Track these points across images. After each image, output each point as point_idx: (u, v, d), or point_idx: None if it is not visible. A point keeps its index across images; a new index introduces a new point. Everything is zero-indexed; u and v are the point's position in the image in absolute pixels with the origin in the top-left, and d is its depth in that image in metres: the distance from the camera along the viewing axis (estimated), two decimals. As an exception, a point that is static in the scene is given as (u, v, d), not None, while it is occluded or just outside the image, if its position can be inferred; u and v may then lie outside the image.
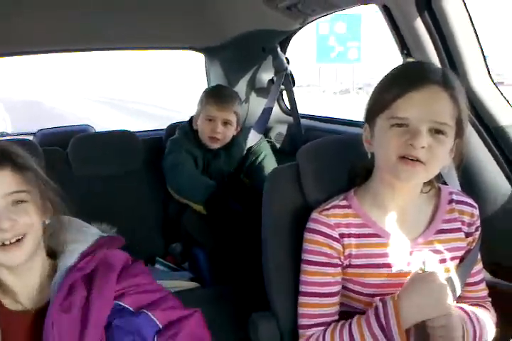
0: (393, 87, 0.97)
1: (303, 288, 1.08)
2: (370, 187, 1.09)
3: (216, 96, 1.99)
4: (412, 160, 0.95)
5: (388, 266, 1.04)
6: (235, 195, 1.97)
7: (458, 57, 1.29)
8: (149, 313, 0.96)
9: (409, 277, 1.01)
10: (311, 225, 1.08)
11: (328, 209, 1.08)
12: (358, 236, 1.05)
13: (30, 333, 0.95)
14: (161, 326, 0.96)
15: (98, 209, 1.47)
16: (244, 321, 1.24)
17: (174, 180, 1.93)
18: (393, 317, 0.95)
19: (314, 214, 1.08)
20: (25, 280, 0.98)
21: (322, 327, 1.05)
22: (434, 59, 1.31)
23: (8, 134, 2.89)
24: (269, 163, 2.07)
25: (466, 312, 1.03)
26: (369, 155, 1.06)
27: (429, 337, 0.98)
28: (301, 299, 1.08)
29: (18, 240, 0.93)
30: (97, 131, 2.61)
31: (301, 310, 1.08)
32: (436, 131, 0.95)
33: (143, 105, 15.44)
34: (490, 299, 1.13)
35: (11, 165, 0.95)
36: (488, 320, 1.06)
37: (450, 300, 0.97)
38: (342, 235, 1.05)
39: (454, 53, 1.29)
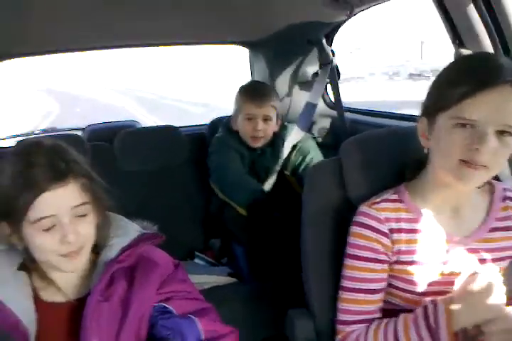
0: (461, 84, 0.89)
1: (345, 283, 1.05)
2: (422, 182, 1.04)
3: (252, 93, 1.96)
4: (474, 165, 0.89)
5: (438, 264, 1.00)
6: (281, 196, 1.94)
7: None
8: (196, 319, 0.98)
9: (460, 278, 0.96)
10: (359, 219, 1.04)
11: (378, 202, 1.04)
12: (409, 231, 1.01)
13: (69, 323, 0.97)
14: (203, 337, 0.97)
15: (141, 203, 1.48)
16: (281, 318, 1.23)
17: (220, 179, 1.90)
18: (444, 321, 0.92)
19: (363, 208, 1.05)
20: (69, 274, 1.01)
21: (363, 324, 1.02)
22: (489, 49, 1.25)
23: (58, 129, 2.96)
24: None
25: None
26: (425, 150, 1.01)
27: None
28: (343, 294, 1.05)
29: (78, 251, 0.96)
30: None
31: (342, 306, 1.05)
32: (502, 133, 0.89)
33: (184, 103, 15.60)
34: None
35: (75, 177, 0.95)
36: None
37: (501, 303, 0.92)
38: (391, 230, 1.01)
39: (510, 44, 1.22)
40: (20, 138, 2.26)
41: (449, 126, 0.92)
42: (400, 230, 1.02)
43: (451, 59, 1.02)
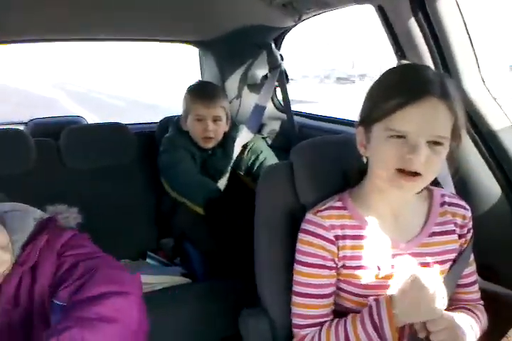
0: (392, 97, 0.94)
1: (296, 288, 1.08)
2: (364, 189, 1.09)
3: (201, 93, 1.95)
4: (410, 172, 0.95)
5: (381, 268, 1.05)
6: (234, 194, 1.95)
7: (451, 60, 1.30)
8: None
9: (398, 278, 1.02)
10: (305, 226, 1.07)
11: (322, 210, 1.08)
12: (353, 237, 1.05)
13: None
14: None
15: (89, 202, 1.47)
16: (235, 317, 1.24)
17: (173, 179, 1.89)
18: (386, 317, 0.97)
19: (309, 216, 1.08)
20: None
21: (316, 327, 1.06)
22: (428, 61, 1.32)
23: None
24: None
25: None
26: (364, 160, 1.06)
27: (420, 338, 0.99)
28: (295, 299, 1.08)
29: None
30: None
31: (294, 310, 1.09)
32: (434, 143, 0.95)
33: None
34: (482, 302, 1.14)
35: None
36: (468, 325, 1.06)
37: (441, 304, 0.97)
38: (337, 237, 1.05)
39: (447, 56, 1.30)
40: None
41: (383, 136, 0.96)
42: (344, 237, 1.05)
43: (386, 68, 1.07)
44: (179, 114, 2.09)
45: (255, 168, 2.03)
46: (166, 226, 2.04)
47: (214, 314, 1.62)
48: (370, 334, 0.99)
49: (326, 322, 1.06)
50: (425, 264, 1.05)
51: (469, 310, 1.11)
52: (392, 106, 0.94)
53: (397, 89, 0.96)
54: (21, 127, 2.49)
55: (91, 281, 0.92)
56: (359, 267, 1.05)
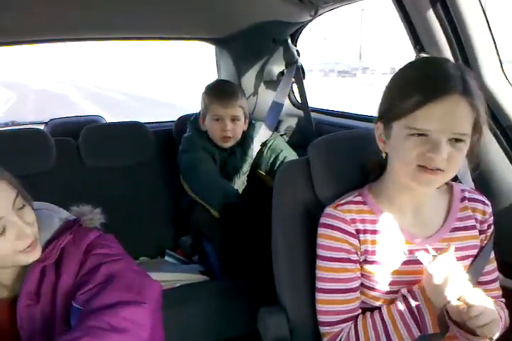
0: (412, 95, 0.93)
1: (322, 285, 1.07)
2: (384, 184, 1.08)
3: (219, 93, 1.94)
4: (431, 169, 0.94)
5: (403, 263, 1.04)
6: (254, 194, 1.94)
7: (471, 53, 1.27)
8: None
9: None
10: (325, 220, 1.07)
11: (342, 204, 1.07)
12: (373, 232, 1.05)
13: (10, 320, 0.96)
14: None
15: (108, 201, 1.48)
16: (253, 315, 1.24)
17: (193, 180, 1.89)
18: (424, 306, 0.98)
19: (329, 209, 1.08)
20: (10, 270, 1.00)
21: (348, 322, 1.05)
22: (447, 54, 1.30)
23: (18, 123, 2.89)
24: None
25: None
26: (383, 155, 1.05)
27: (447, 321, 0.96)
28: (321, 296, 1.07)
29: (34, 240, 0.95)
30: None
31: (322, 308, 1.07)
32: (456, 140, 0.93)
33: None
34: (503, 299, 1.13)
35: (1, 175, 0.94)
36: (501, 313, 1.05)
37: (458, 284, 0.95)
38: (358, 231, 1.05)
39: (467, 49, 1.27)
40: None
41: (403, 134, 0.95)
42: (365, 231, 1.05)
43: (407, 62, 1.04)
44: (196, 112, 2.10)
45: (276, 167, 2.02)
46: (184, 225, 2.04)
47: (232, 311, 1.63)
48: (408, 323, 0.99)
49: (356, 316, 1.06)
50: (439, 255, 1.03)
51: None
52: (412, 105, 0.93)
53: (417, 87, 0.94)
54: (41, 127, 2.52)
55: (109, 288, 0.93)
56: (377, 262, 1.05)
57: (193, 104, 2.12)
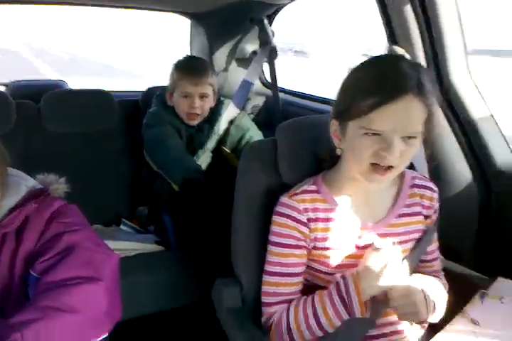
0: (367, 97, 0.94)
1: (269, 268, 1.11)
2: (337, 175, 1.11)
3: (189, 70, 1.92)
4: (384, 167, 0.97)
5: (351, 248, 1.09)
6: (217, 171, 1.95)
7: (441, 50, 1.33)
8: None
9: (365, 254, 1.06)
10: (280, 209, 1.10)
11: (298, 193, 1.10)
12: (325, 220, 1.09)
13: None
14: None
15: (66, 166, 1.46)
16: (206, 285, 1.27)
17: (156, 154, 1.88)
18: (354, 291, 1.01)
19: (284, 199, 1.11)
20: None
21: (285, 304, 1.09)
22: (419, 49, 1.34)
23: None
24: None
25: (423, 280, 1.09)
26: (338, 152, 1.07)
27: (382, 308, 1.04)
28: (266, 278, 1.11)
29: None
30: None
31: (264, 289, 1.12)
32: (408, 137, 0.96)
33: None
34: (443, 273, 1.20)
35: None
36: (440, 287, 1.12)
37: (398, 274, 1.02)
38: (309, 220, 1.08)
39: (438, 46, 1.33)
40: None
41: (358, 133, 0.97)
42: (316, 219, 1.08)
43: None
44: (163, 85, 2.07)
45: (242, 145, 2.03)
46: (141, 195, 2.05)
47: (185, 282, 1.66)
48: (338, 309, 1.02)
49: (294, 298, 1.10)
50: (381, 240, 1.07)
51: (434, 276, 1.16)
52: (367, 106, 0.94)
53: (372, 88, 0.95)
54: (2, 88, 2.45)
55: (67, 260, 0.92)
56: (328, 248, 1.09)
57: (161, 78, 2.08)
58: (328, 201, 1.10)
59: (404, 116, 0.94)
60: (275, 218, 1.11)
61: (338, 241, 1.09)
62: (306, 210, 1.08)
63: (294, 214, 1.08)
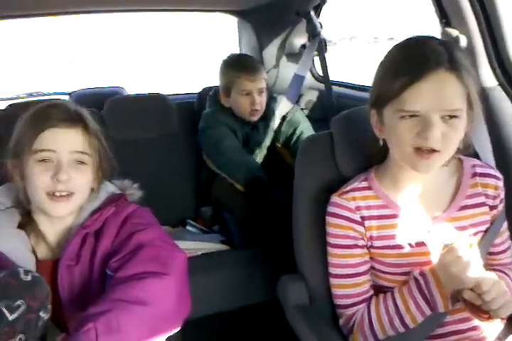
0: (398, 77, 0.92)
1: (334, 271, 1.10)
2: (388, 167, 1.09)
3: (245, 67, 1.92)
4: (427, 150, 0.94)
5: (410, 245, 1.05)
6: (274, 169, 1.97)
7: (498, 28, 1.26)
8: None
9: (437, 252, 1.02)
10: (332, 209, 1.09)
11: (347, 191, 1.09)
12: (379, 217, 1.07)
13: (54, 280, 1.03)
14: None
15: (130, 172, 1.51)
16: (272, 283, 1.28)
17: (217, 156, 1.90)
18: (435, 287, 0.98)
19: (334, 198, 1.09)
20: (58, 232, 1.09)
21: (361, 305, 1.08)
22: (474, 29, 1.28)
23: (43, 94, 2.93)
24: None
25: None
26: (381, 142, 1.05)
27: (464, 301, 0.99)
28: (334, 281, 1.11)
29: (68, 195, 1.02)
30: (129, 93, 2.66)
31: (336, 291, 1.11)
32: (450, 117, 0.93)
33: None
34: None
35: (83, 126, 1.05)
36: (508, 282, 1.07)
37: (475, 271, 0.96)
38: (363, 218, 1.07)
39: (494, 25, 1.26)
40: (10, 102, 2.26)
41: (396, 118, 0.95)
42: (370, 217, 1.06)
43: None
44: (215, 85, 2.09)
45: (293, 141, 2.03)
46: (204, 196, 2.09)
47: (251, 279, 1.67)
48: (420, 305, 1.00)
49: (368, 298, 1.09)
50: (450, 235, 1.03)
51: (500, 271, 1.10)
52: (398, 88, 0.92)
53: (401, 68, 0.94)
54: (65, 97, 2.56)
55: (137, 257, 0.99)
56: (386, 247, 1.06)
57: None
58: (381, 197, 1.07)
59: (438, 92, 0.91)
60: (328, 219, 1.10)
61: (395, 240, 1.06)
62: (358, 208, 1.07)
63: (346, 213, 1.07)
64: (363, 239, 1.07)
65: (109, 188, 1.15)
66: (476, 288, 0.94)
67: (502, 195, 1.10)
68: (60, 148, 1.02)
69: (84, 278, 1.03)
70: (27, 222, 1.09)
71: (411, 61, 0.93)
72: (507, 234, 1.14)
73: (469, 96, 0.94)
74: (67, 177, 1.01)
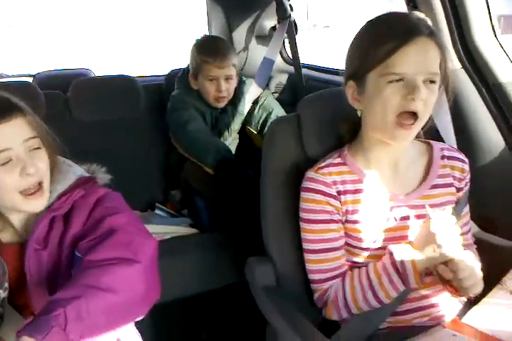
0: (386, 42, 0.97)
1: (308, 246, 1.11)
2: (361, 143, 1.11)
3: (213, 53, 1.89)
4: (407, 120, 0.98)
5: (382, 221, 1.08)
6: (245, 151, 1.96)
7: (463, 13, 1.28)
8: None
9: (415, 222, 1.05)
10: (308, 184, 1.10)
11: (323, 167, 1.10)
12: (354, 192, 1.08)
13: (20, 264, 1.02)
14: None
15: (98, 155, 1.49)
16: (242, 265, 1.29)
17: (184, 139, 1.88)
18: (409, 263, 1.00)
19: (310, 173, 1.10)
20: (24, 216, 1.06)
21: (336, 279, 1.10)
22: (440, 13, 1.30)
23: (7, 76, 2.84)
24: None
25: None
26: (359, 113, 1.07)
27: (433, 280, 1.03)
28: (309, 256, 1.12)
29: (39, 185, 1.00)
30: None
31: (311, 267, 1.12)
32: (430, 82, 0.98)
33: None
34: (475, 246, 1.17)
35: (21, 113, 1.00)
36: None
37: (453, 247, 0.98)
38: (339, 192, 1.08)
39: (460, 8, 1.28)
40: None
41: (381, 83, 0.98)
42: (345, 192, 1.08)
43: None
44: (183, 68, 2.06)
45: (267, 126, 2.00)
46: (173, 179, 2.07)
47: (221, 262, 1.67)
48: (394, 280, 1.02)
49: (343, 273, 1.10)
50: (423, 216, 1.06)
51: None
52: (386, 51, 0.96)
53: (389, 34, 0.98)
54: (29, 79, 2.49)
55: (109, 241, 0.97)
56: (359, 221, 1.08)
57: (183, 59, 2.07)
58: (355, 172, 1.09)
59: (423, 56, 0.97)
60: (303, 194, 1.11)
61: (368, 214, 1.08)
62: (334, 183, 1.08)
63: (323, 188, 1.08)
64: (338, 213, 1.08)
65: (78, 171, 1.12)
66: (451, 264, 0.97)
67: (468, 177, 1.14)
68: (12, 144, 0.97)
69: (52, 262, 1.01)
70: None
71: (398, 27, 0.99)
72: (468, 216, 1.17)
73: (444, 61, 1.01)
74: (35, 168, 0.98)
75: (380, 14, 1.06)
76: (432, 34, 0.99)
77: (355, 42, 1.05)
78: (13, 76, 2.83)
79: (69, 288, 0.90)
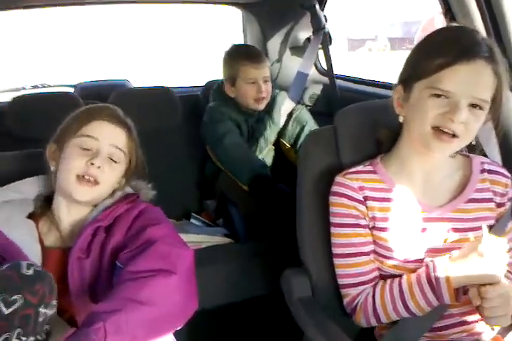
0: (439, 55, 0.95)
1: (336, 250, 1.11)
2: (396, 152, 1.10)
3: (249, 55, 1.94)
4: (446, 133, 0.96)
5: (413, 232, 1.06)
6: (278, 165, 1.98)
7: (503, 26, 1.26)
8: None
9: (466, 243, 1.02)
10: (335, 189, 1.10)
11: (351, 172, 1.11)
12: (382, 200, 1.07)
13: (63, 268, 1.06)
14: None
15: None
16: (276, 276, 1.29)
17: (220, 152, 1.91)
18: (444, 278, 0.97)
19: (338, 178, 1.11)
20: (72, 221, 1.13)
21: (367, 285, 1.09)
22: (479, 26, 1.29)
23: (48, 86, 2.93)
24: None
25: None
26: (400, 119, 1.06)
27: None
28: (338, 261, 1.12)
29: (95, 181, 1.08)
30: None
31: (339, 271, 1.12)
32: (474, 106, 0.95)
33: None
34: None
35: (128, 128, 1.15)
36: None
37: (501, 270, 0.96)
38: (366, 198, 1.08)
39: (499, 21, 1.26)
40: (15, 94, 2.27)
41: (425, 95, 0.97)
42: (373, 198, 1.07)
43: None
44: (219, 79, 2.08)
45: (300, 140, 2.02)
46: (209, 189, 2.10)
47: (255, 272, 1.69)
48: (426, 293, 1.00)
49: (373, 279, 1.09)
50: (459, 230, 1.05)
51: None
52: (438, 64, 0.95)
53: (447, 47, 0.96)
54: (69, 90, 2.56)
55: (147, 253, 1.01)
56: (387, 229, 1.07)
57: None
58: (385, 181, 1.08)
59: (474, 79, 0.95)
60: (331, 198, 1.11)
61: (397, 223, 1.07)
62: (361, 188, 1.08)
63: (349, 192, 1.08)
64: (364, 218, 1.08)
65: (126, 188, 1.20)
66: (482, 290, 0.94)
67: (510, 193, 1.11)
68: (102, 138, 1.10)
69: (94, 270, 1.06)
70: (43, 212, 1.14)
71: (457, 43, 0.96)
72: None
73: (498, 91, 0.98)
74: (101, 164, 1.08)
75: (450, 25, 1.06)
76: (492, 59, 0.95)
77: (415, 49, 1.04)
78: (55, 86, 2.92)
79: (109, 300, 0.93)
